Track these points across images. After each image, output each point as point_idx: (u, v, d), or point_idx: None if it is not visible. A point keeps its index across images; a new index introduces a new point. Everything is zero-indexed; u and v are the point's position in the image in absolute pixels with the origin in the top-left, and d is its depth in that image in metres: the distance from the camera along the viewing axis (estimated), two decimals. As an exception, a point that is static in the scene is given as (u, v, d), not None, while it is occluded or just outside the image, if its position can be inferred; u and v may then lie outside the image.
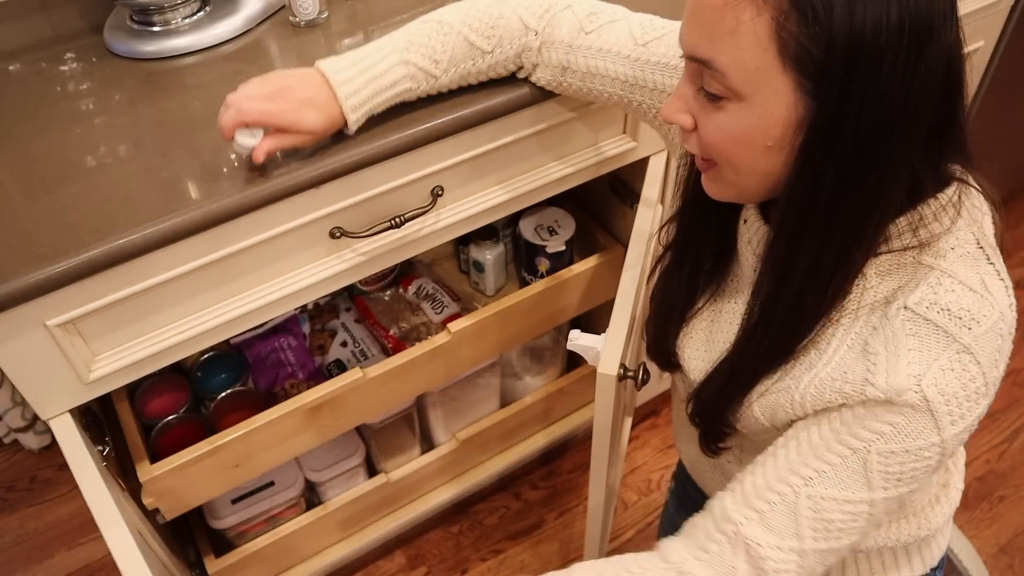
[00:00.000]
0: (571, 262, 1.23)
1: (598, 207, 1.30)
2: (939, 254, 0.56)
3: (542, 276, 1.24)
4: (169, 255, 0.75)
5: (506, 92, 0.86)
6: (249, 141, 0.73)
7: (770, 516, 0.59)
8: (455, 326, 1.10)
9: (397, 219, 0.87)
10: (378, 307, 1.25)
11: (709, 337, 0.71)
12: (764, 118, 0.52)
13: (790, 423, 0.62)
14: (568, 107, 0.93)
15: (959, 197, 0.56)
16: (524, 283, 1.29)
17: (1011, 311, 0.56)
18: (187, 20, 1.00)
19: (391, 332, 1.21)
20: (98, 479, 0.77)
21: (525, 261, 1.27)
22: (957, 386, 0.54)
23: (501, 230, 1.28)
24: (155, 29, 0.99)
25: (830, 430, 0.58)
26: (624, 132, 1.04)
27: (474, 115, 0.84)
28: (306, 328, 1.27)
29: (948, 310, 0.54)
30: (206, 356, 1.19)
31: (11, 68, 0.98)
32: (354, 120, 0.78)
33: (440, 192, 0.90)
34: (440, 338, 1.10)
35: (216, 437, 0.98)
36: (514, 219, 1.28)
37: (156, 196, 0.75)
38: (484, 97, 0.85)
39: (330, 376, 1.15)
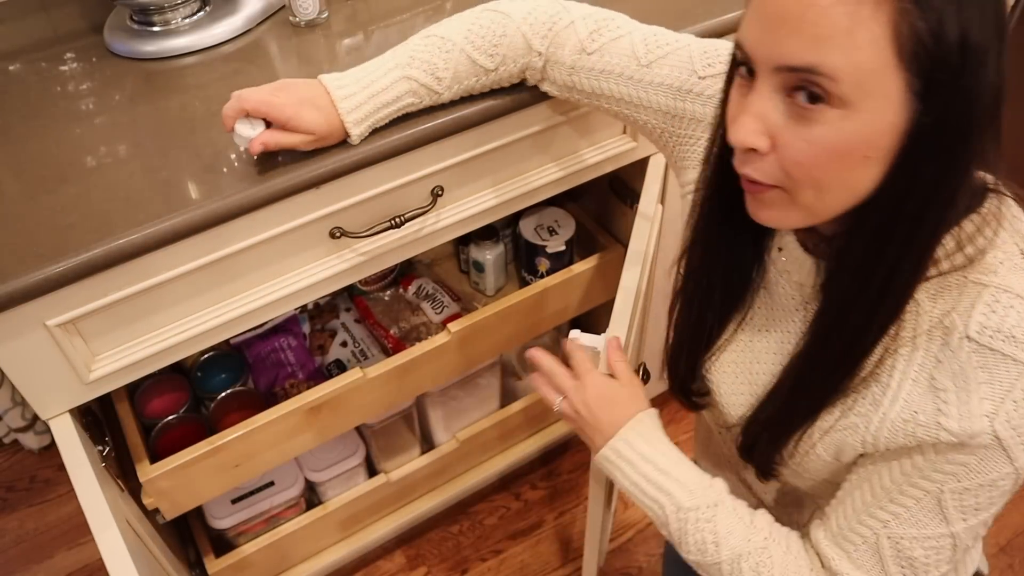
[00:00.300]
0: (571, 262, 1.23)
1: (598, 207, 1.30)
2: (989, 270, 0.53)
3: (542, 276, 1.24)
4: (169, 255, 0.75)
5: (506, 92, 0.86)
6: (247, 131, 0.73)
7: (856, 556, 0.62)
8: (455, 326, 1.10)
9: (397, 219, 0.87)
10: (378, 307, 1.25)
11: (747, 370, 0.69)
12: (870, 125, 0.47)
13: (856, 459, 0.61)
14: (568, 108, 0.93)
15: (999, 208, 0.54)
16: (524, 283, 1.29)
17: None
18: (187, 20, 1.00)
19: (391, 332, 1.21)
20: (93, 481, 0.77)
21: (525, 261, 1.27)
22: None
23: (501, 230, 1.28)
24: (155, 29, 0.99)
25: (901, 473, 0.57)
26: (624, 132, 1.04)
27: (474, 115, 0.84)
28: (306, 328, 1.27)
29: (1014, 336, 0.52)
30: (206, 356, 1.19)
31: (11, 68, 0.98)
32: (357, 134, 0.78)
33: (440, 192, 0.90)
34: (440, 338, 1.10)
35: (216, 437, 0.98)
36: (514, 219, 1.27)
37: (156, 196, 0.75)
38: (484, 97, 0.85)
39: (330, 376, 1.15)
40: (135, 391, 1.11)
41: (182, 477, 0.97)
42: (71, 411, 0.82)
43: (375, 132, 0.80)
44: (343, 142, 0.79)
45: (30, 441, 1.59)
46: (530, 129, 0.92)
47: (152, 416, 1.10)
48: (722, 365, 0.71)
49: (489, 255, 1.26)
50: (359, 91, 0.76)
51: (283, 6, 1.04)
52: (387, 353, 1.19)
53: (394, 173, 0.85)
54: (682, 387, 0.75)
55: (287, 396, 1.08)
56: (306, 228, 0.83)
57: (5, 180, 0.79)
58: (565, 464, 1.55)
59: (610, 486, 0.97)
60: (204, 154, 0.81)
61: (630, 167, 1.08)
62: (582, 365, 0.77)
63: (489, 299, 1.31)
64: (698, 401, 0.75)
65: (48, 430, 0.82)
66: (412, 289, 1.27)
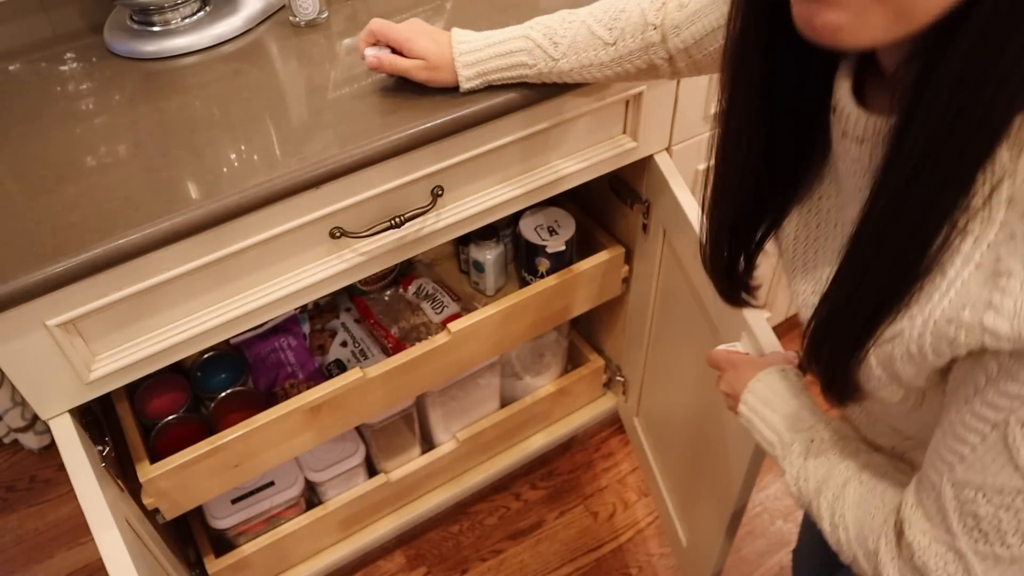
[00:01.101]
0: (571, 262, 1.23)
1: (598, 207, 1.30)
2: None
3: (542, 276, 1.24)
4: (169, 255, 0.75)
5: (506, 92, 0.86)
6: (371, 51, 0.84)
7: (927, 505, 0.50)
8: (455, 326, 1.10)
9: (397, 219, 0.87)
10: (378, 307, 1.25)
11: (811, 262, 0.58)
12: None
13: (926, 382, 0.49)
14: (568, 107, 0.93)
15: None
16: (524, 283, 1.29)
17: None
18: (187, 20, 1.00)
19: (391, 332, 1.21)
20: (93, 481, 0.77)
21: (525, 261, 1.27)
22: None
23: (501, 230, 1.28)
24: (155, 29, 0.99)
25: (963, 400, 0.45)
26: (624, 132, 1.04)
27: (474, 115, 0.84)
28: (306, 328, 1.27)
29: None
30: (206, 356, 1.19)
31: (11, 68, 0.98)
32: (465, 76, 0.82)
33: (440, 192, 0.90)
34: (440, 338, 1.10)
35: (216, 437, 0.98)
36: (514, 219, 1.27)
37: (156, 196, 0.75)
38: (484, 97, 0.85)
39: (330, 376, 1.15)
40: (135, 391, 1.11)
41: (182, 477, 0.97)
42: (71, 411, 0.82)
43: (372, 127, 0.80)
44: (455, 90, 0.84)
45: (30, 441, 1.59)
46: (530, 129, 0.92)
47: (152, 416, 1.09)
48: (789, 256, 0.60)
49: (489, 255, 1.26)
50: (477, 39, 0.83)
51: (283, 6, 1.04)
52: (387, 353, 1.19)
53: (394, 173, 0.85)
54: (729, 282, 0.63)
55: (287, 396, 1.08)
56: (306, 228, 0.83)
57: (5, 180, 0.79)
58: (565, 464, 1.55)
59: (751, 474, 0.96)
60: (204, 154, 0.81)
61: (630, 167, 1.08)
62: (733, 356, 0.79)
63: (489, 299, 1.31)
64: (742, 296, 0.65)
65: (48, 430, 0.82)
66: (412, 289, 1.27)
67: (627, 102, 1.00)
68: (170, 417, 1.09)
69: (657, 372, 1.27)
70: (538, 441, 1.46)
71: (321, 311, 1.29)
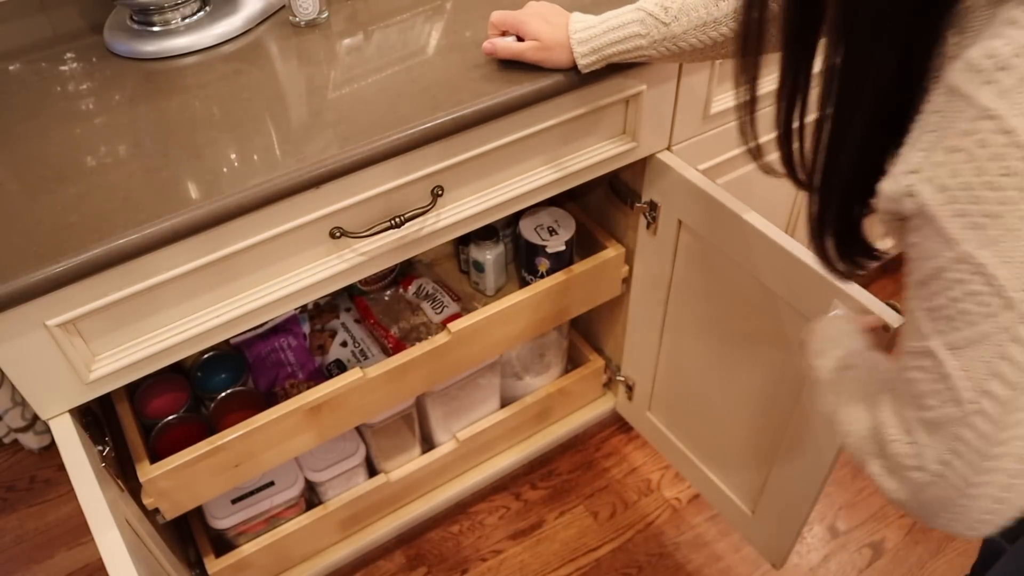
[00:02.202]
0: (571, 262, 1.23)
1: (598, 207, 1.30)
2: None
3: (542, 276, 1.24)
4: (169, 255, 0.75)
5: (505, 92, 0.86)
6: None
7: (907, 327, 0.49)
8: (455, 326, 1.10)
9: (397, 219, 0.87)
10: (378, 307, 1.25)
11: None
12: None
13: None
14: (568, 107, 0.93)
15: None
16: (524, 283, 1.29)
17: None
18: (187, 20, 1.00)
19: (391, 332, 1.21)
20: (93, 481, 0.77)
21: (525, 261, 1.27)
22: (968, 172, 0.40)
23: (501, 230, 1.28)
24: (155, 29, 0.99)
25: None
26: (624, 132, 1.04)
27: (474, 115, 0.84)
28: (306, 328, 1.27)
29: (972, 63, 0.40)
30: (206, 356, 1.19)
31: (11, 68, 0.98)
32: (581, 53, 0.85)
33: (440, 192, 0.90)
34: (440, 338, 1.10)
35: (216, 437, 0.98)
36: (514, 219, 1.28)
37: (156, 196, 0.75)
38: (483, 97, 0.85)
39: (330, 376, 1.15)
40: (135, 391, 1.11)
41: (182, 477, 0.97)
42: (71, 411, 0.82)
43: (372, 127, 0.80)
44: (573, 69, 0.87)
45: (30, 441, 1.59)
46: (530, 129, 0.92)
47: (152, 416, 1.09)
48: None
49: (489, 255, 1.26)
50: (593, 19, 0.85)
51: (283, 6, 1.04)
52: (387, 353, 1.19)
53: (394, 173, 0.85)
54: (852, 251, 0.59)
55: (287, 396, 1.08)
56: (306, 228, 0.83)
57: (5, 180, 0.79)
58: (565, 464, 1.55)
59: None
60: (204, 154, 0.81)
61: (630, 167, 1.08)
62: None
63: (489, 299, 1.31)
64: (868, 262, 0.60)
65: (48, 430, 0.82)
66: (412, 289, 1.27)
67: (627, 102, 1.00)
68: (170, 417, 1.09)
69: (677, 363, 1.25)
70: (538, 441, 1.46)
71: (321, 311, 1.29)
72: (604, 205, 1.28)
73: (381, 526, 1.34)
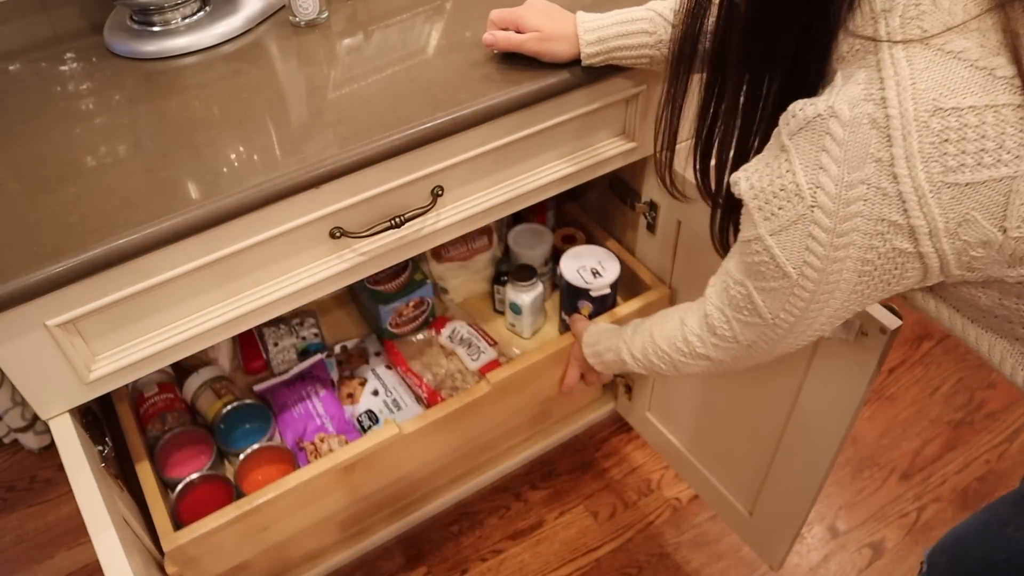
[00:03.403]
0: (614, 304, 1.17)
1: (598, 207, 1.30)
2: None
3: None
4: (169, 255, 0.75)
5: (505, 92, 0.86)
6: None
7: (717, 279, 0.74)
8: (494, 376, 1.03)
9: (397, 219, 0.87)
10: (409, 350, 1.18)
11: None
12: None
13: None
14: (568, 107, 0.93)
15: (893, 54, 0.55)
16: (566, 327, 1.20)
17: (850, 107, 0.54)
18: (187, 20, 1.00)
19: (425, 380, 1.13)
20: (92, 483, 0.77)
21: (567, 303, 1.19)
22: (766, 181, 0.59)
23: (539, 268, 1.22)
24: (155, 29, 0.99)
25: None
26: (624, 132, 1.04)
27: (474, 115, 0.84)
28: (334, 374, 1.20)
29: (787, 111, 0.58)
30: (230, 407, 1.11)
31: (11, 68, 0.98)
32: (586, 42, 0.86)
33: (440, 192, 0.90)
34: (480, 389, 1.03)
35: (244, 501, 0.94)
36: (554, 256, 1.21)
37: (156, 196, 0.75)
38: (483, 97, 0.85)
39: (362, 428, 1.10)
40: (155, 445, 1.03)
41: (209, 544, 0.93)
42: (71, 411, 0.82)
43: (372, 126, 0.80)
44: (573, 64, 0.88)
45: (30, 441, 1.59)
46: (530, 129, 0.92)
47: (174, 475, 1.03)
48: None
49: (527, 297, 1.19)
50: (601, 14, 0.87)
51: (283, 6, 1.04)
52: (421, 403, 1.13)
53: (394, 173, 0.85)
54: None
55: (317, 451, 1.03)
56: (306, 228, 0.83)
57: (5, 180, 0.79)
58: (565, 464, 1.55)
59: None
60: (204, 154, 0.81)
61: (630, 167, 1.08)
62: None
63: (526, 341, 1.24)
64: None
65: (48, 430, 0.82)
66: (446, 333, 1.20)
67: (627, 102, 1.00)
68: (193, 476, 1.02)
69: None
70: (538, 441, 1.46)
71: (349, 355, 1.22)
72: (604, 205, 1.28)
73: (381, 526, 1.34)
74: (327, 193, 0.81)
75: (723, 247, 0.79)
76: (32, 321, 0.73)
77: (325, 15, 1.02)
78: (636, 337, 0.91)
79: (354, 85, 0.89)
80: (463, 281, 1.27)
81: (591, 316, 1.15)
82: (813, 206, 0.56)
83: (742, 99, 0.66)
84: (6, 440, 1.62)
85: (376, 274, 1.12)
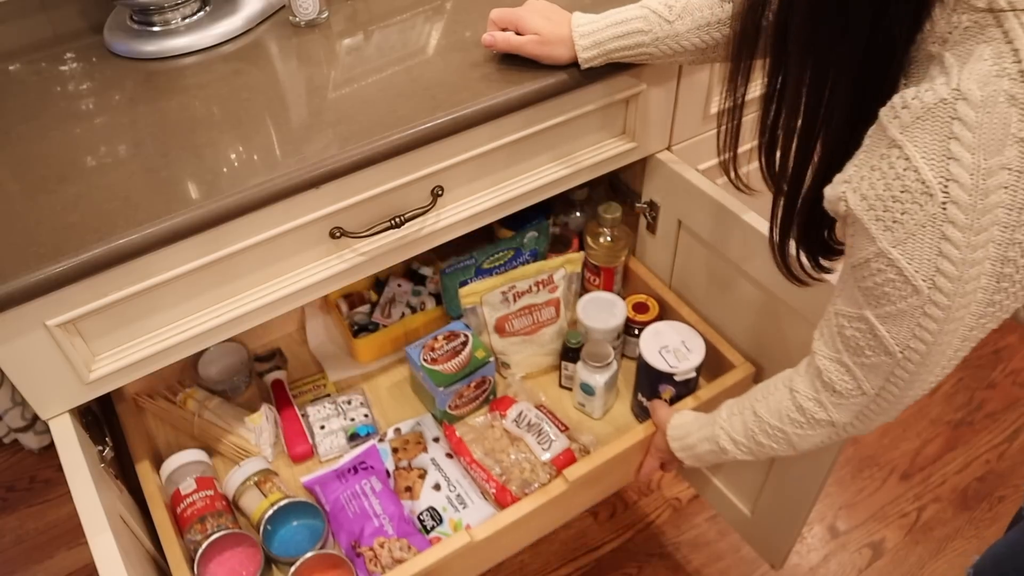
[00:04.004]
0: (697, 387, 1.07)
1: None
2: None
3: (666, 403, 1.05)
4: (169, 255, 0.75)
5: (505, 92, 0.86)
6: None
7: (823, 328, 0.67)
8: (572, 473, 0.95)
9: (397, 219, 0.87)
10: (470, 434, 1.06)
11: None
12: None
13: None
14: (568, 107, 0.93)
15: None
16: (642, 408, 1.10)
17: (980, 86, 0.49)
18: (187, 20, 1.00)
19: (493, 473, 1.01)
20: (90, 484, 0.77)
21: (646, 387, 1.07)
22: (881, 187, 0.52)
23: (612, 342, 1.13)
24: (155, 29, 0.99)
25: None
26: (624, 132, 1.04)
27: (474, 115, 0.84)
28: (389, 463, 1.07)
29: (892, 103, 0.52)
30: (276, 507, 0.97)
31: (11, 68, 0.98)
32: (582, 47, 0.85)
33: (440, 192, 0.90)
34: (556, 487, 0.95)
35: None
36: (626, 329, 1.15)
37: (156, 196, 0.75)
38: (483, 97, 0.85)
39: (424, 528, 1.00)
40: (196, 553, 0.91)
41: None
42: (71, 411, 0.82)
43: (372, 126, 0.80)
44: (572, 66, 0.88)
45: (30, 441, 1.59)
46: (530, 129, 0.92)
47: None
48: None
49: (600, 378, 1.09)
50: (596, 16, 0.86)
51: (283, 6, 1.04)
52: (488, 498, 1.02)
53: (394, 173, 0.85)
54: (818, 258, 0.73)
55: (376, 559, 0.93)
56: (306, 228, 0.83)
57: (5, 180, 0.80)
58: (565, 464, 1.55)
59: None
60: (204, 154, 0.81)
61: (630, 167, 1.08)
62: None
63: (597, 421, 1.14)
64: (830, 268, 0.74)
65: (48, 430, 0.82)
66: (511, 416, 1.07)
67: (627, 102, 1.00)
68: None
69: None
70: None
71: (406, 441, 1.09)
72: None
73: None
74: (327, 193, 0.81)
75: (786, 266, 0.74)
76: (32, 321, 0.73)
77: (325, 15, 1.02)
78: (735, 420, 0.81)
79: (354, 85, 0.89)
80: (526, 356, 1.17)
81: (672, 401, 1.05)
82: (945, 203, 0.50)
83: (805, 91, 0.59)
84: (6, 440, 1.63)
85: (432, 351, 1.07)
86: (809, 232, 0.69)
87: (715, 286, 1.08)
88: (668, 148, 1.09)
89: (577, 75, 0.89)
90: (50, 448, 1.61)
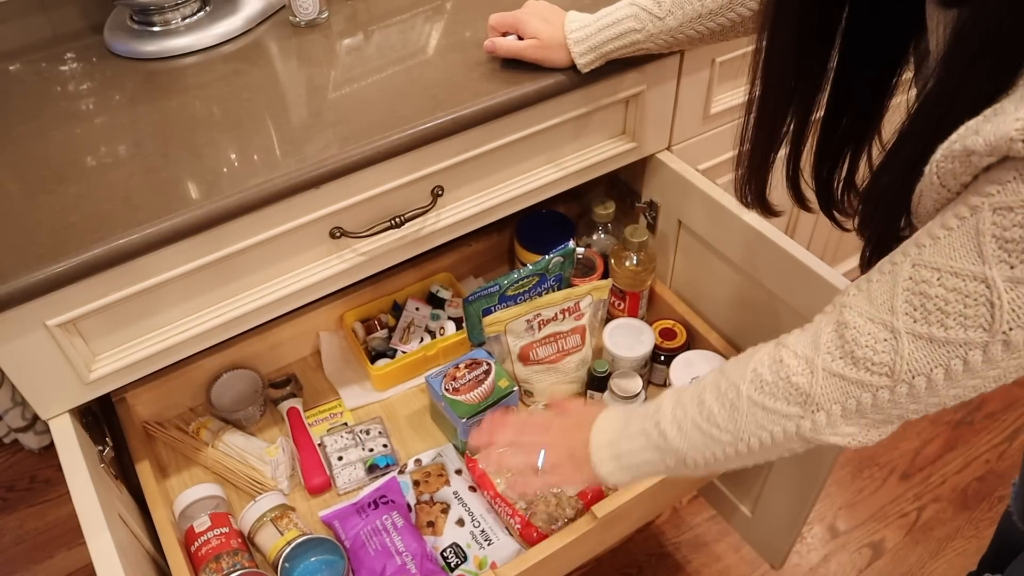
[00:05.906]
0: None
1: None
2: None
3: None
4: (169, 255, 0.76)
5: (505, 92, 0.86)
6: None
7: (874, 287, 0.54)
8: (601, 510, 0.92)
9: (397, 219, 0.87)
10: (493, 467, 1.02)
11: None
12: None
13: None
14: (568, 107, 0.93)
15: None
16: None
17: None
18: (187, 20, 1.00)
19: (517, 508, 0.98)
20: (89, 484, 0.77)
21: None
22: None
23: (639, 370, 1.11)
24: (155, 29, 0.99)
25: (949, 206, 0.50)
26: (624, 132, 1.04)
27: (474, 115, 0.84)
28: (410, 497, 1.03)
29: None
30: (295, 542, 0.93)
31: (11, 68, 0.98)
32: (579, 52, 0.86)
33: (440, 192, 0.90)
34: (584, 524, 0.92)
35: None
36: (653, 356, 1.13)
37: (156, 196, 0.75)
38: (483, 97, 0.85)
39: (448, 566, 0.96)
40: None
41: None
42: (71, 411, 0.82)
43: (372, 126, 0.80)
44: (573, 68, 0.88)
45: (30, 441, 1.60)
46: (530, 129, 0.92)
47: None
48: None
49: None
50: (588, 18, 0.86)
51: (283, 6, 1.04)
52: (513, 533, 0.98)
53: (394, 173, 0.85)
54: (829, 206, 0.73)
55: None
56: (306, 228, 0.83)
57: (5, 180, 0.80)
58: (565, 464, 1.55)
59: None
60: (204, 154, 0.81)
61: (630, 167, 1.08)
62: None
63: None
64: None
65: (48, 430, 0.82)
66: None
67: (627, 102, 1.00)
68: None
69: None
70: (538, 441, 1.45)
71: (428, 474, 1.05)
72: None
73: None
74: (327, 193, 0.81)
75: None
76: (32, 321, 0.73)
77: (325, 15, 1.02)
78: (681, 393, 0.71)
79: (354, 85, 0.89)
80: (550, 384, 1.13)
81: None
82: None
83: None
84: (6, 440, 1.63)
85: (454, 380, 1.04)
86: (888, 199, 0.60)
87: (715, 284, 1.08)
88: (668, 148, 1.09)
89: (576, 76, 0.89)
90: (50, 448, 1.61)
